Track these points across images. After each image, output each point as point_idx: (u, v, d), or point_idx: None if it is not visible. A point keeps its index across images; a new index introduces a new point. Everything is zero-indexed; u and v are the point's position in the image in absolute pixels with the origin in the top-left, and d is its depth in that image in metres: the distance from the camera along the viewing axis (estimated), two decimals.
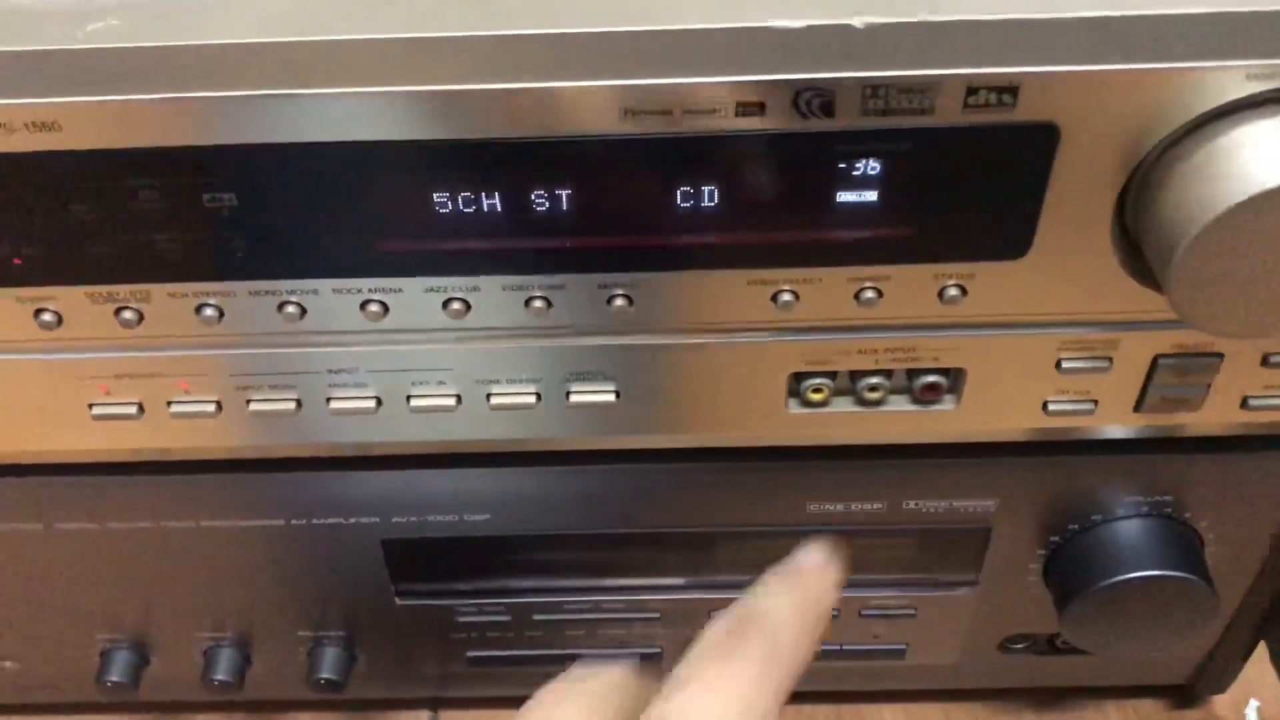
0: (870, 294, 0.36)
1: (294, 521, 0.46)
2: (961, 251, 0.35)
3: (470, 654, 0.51)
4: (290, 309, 0.36)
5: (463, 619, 0.50)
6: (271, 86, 0.31)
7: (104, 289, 0.36)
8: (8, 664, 0.53)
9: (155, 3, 0.31)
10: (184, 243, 0.34)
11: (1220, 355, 0.38)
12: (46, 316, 0.36)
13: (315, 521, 0.46)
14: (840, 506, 0.45)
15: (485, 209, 0.34)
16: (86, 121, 0.31)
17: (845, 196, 0.33)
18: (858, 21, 0.30)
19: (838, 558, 0.35)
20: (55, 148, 0.32)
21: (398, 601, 0.49)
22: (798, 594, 0.34)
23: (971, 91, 0.31)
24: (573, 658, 0.48)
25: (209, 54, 0.30)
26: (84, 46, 0.30)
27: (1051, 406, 0.40)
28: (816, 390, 0.39)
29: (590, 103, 0.31)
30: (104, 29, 0.30)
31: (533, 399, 0.39)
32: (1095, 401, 0.39)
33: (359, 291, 0.36)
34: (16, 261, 0.35)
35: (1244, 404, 0.40)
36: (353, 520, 0.46)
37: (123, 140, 0.32)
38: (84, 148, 0.32)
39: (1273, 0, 0.30)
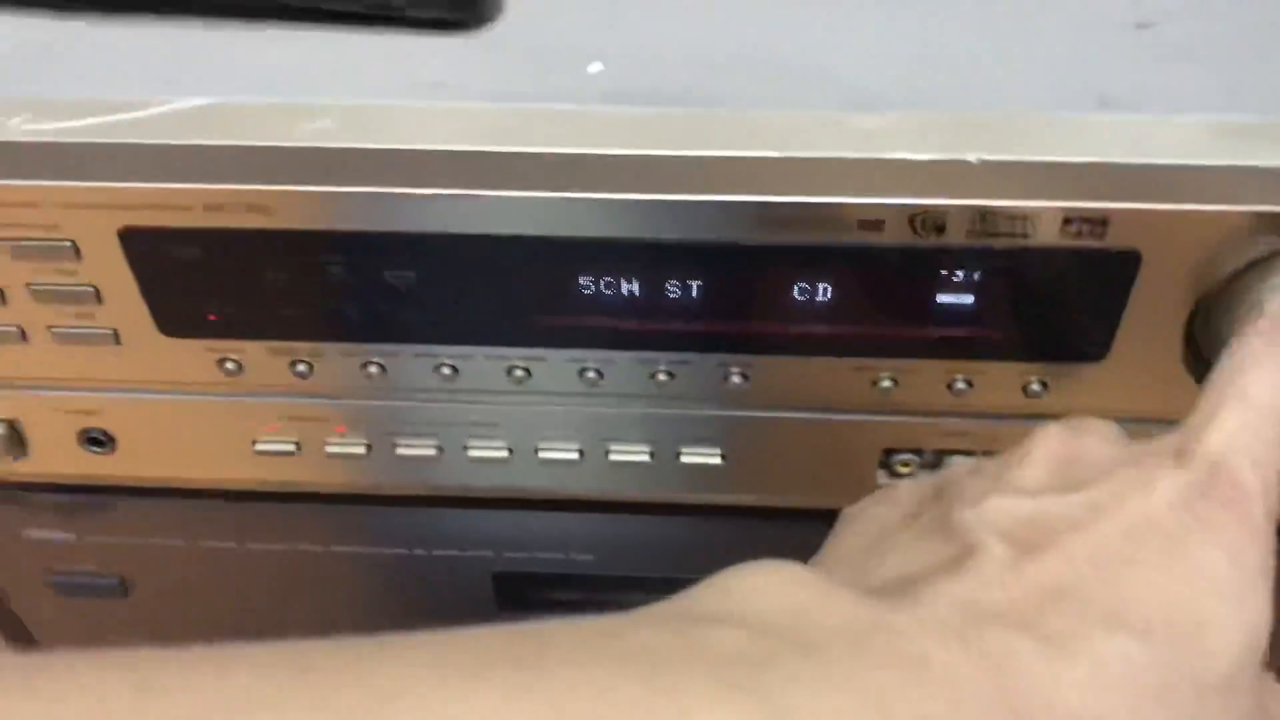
0: (961, 385, 0.40)
1: (415, 551, 0.50)
2: (1047, 354, 0.39)
3: None
4: (445, 370, 0.41)
5: None
6: (453, 187, 0.36)
7: (284, 344, 0.40)
8: (132, 639, 0.58)
9: (363, 110, 0.35)
10: (362, 310, 0.39)
11: None
12: (230, 365, 0.41)
13: (435, 553, 0.50)
14: None
15: (625, 295, 0.38)
16: (294, 206, 0.36)
17: (945, 299, 0.38)
18: (972, 157, 0.34)
19: None
20: (263, 226, 0.37)
21: None
22: None
23: (1067, 221, 0.35)
24: None
25: (403, 156, 0.35)
26: (298, 145, 0.35)
27: None
28: (904, 465, 0.43)
29: (729, 214, 0.36)
30: (316, 129, 0.35)
31: (647, 457, 0.44)
32: None
33: (507, 359, 0.41)
34: (211, 318, 0.40)
35: None
36: (469, 553, 0.50)
37: (324, 224, 0.36)
38: (288, 228, 0.37)
39: None
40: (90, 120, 0.35)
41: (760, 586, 0.25)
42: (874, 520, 0.30)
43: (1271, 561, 0.27)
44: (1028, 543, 0.25)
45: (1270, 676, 0.28)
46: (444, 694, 0.21)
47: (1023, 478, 0.28)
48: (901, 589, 0.25)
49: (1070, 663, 0.23)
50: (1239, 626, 0.25)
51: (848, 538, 0.31)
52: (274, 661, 0.22)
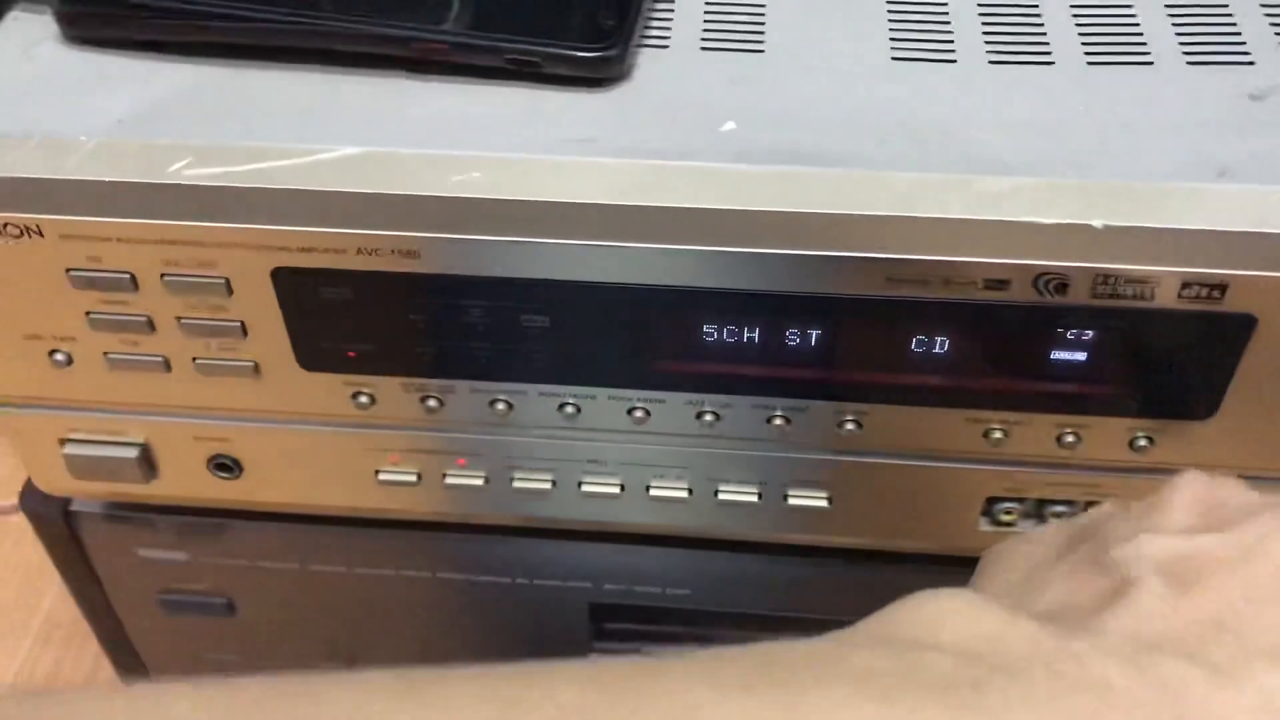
0: (1070, 438, 0.41)
1: (517, 580, 0.52)
2: (1156, 410, 0.40)
3: None
4: (569, 409, 0.42)
5: None
6: (589, 238, 0.37)
7: (417, 380, 0.42)
8: (230, 657, 0.59)
9: (508, 162, 0.37)
10: (495, 351, 0.41)
11: None
12: (363, 399, 0.43)
13: (536, 582, 0.52)
14: None
15: (747, 342, 0.40)
16: (442, 252, 0.38)
17: (1060, 355, 0.39)
18: (1097, 223, 0.35)
19: None
20: (411, 270, 0.38)
21: (595, 658, 0.55)
22: None
23: (1186, 285, 0.36)
24: None
25: (544, 209, 0.37)
26: (449, 195, 0.37)
27: None
28: (1007, 513, 0.45)
29: (857, 270, 0.37)
30: (467, 180, 0.37)
31: (755, 498, 0.45)
32: None
33: (629, 400, 0.42)
34: (350, 355, 0.41)
35: None
36: (568, 583, 0.52)
37: (468, 269, 0.38)
38: (434, 272, 0.38)
39: None
40: (249, 166, 0.37)
41: (950, 612, 0.27)
42: (1024, 557, 0.32)
43: None
44: (1182, 578, 0.27)
45: None
46: (731, 708, 0.24)
47: (1170, 519, 0.29)
48: (1067, 620, 0.27)
49: (1238, 691, 0.25)
50: None
51: (999, 574, 0.32)
52: (589, 677, 0.25)
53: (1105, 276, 0.36)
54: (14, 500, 0.52)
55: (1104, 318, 0.37)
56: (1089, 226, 0.36)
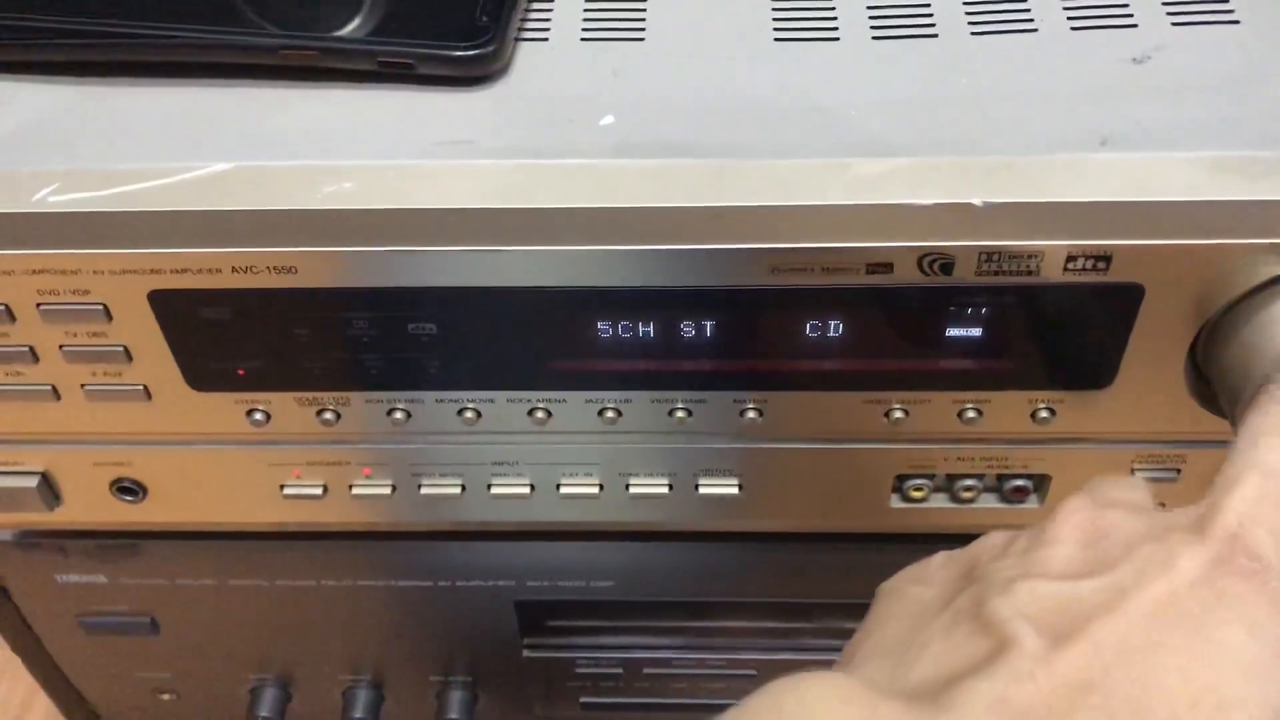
0: (972, 414, 0.41)
1: (440, 583, 0.51)
2: (1054, 382, 0.40)
3: (584, 700, 0.57)
4: (469, 414, 0.42)
5: (580, 670, 0.56)
6: (471, 243, 0.37)
7: (310, 394, 0.41)
8: (166, 697, 0.59)
9: (381, 170, 0.36)
10: (386, 361, 0.40)
11: None
12: (258, 415, 0.42)
13: (459, 584, 0.51)
14: None
15: (642, 338, 0.39)
16: (320, 266, 0.37)
17: (955, 334, 0.39)
18: (977, 201, 0.35)
19: None
20: (290, 285, 0.38)
21: (525, 654, 0.54)
22: None
23: (1071, 259, 0.36)
24: (677, 707, 0.54)
25: (422, 215, 0.36)
26: (321, 208, 0.36)
27: None
28: (917, 489, 0.45)
29: (743, 261, 0.37)
30: (338, 191, 0.36)
31: (666, 489, 0.45)
32: (1163, 505, 0.44)
33: (529, 401, 0.42)
34: (240, 372, 0.41)
35: None
36: (491, 583, 0.51)
37: (348, 281, 0.38)
38: (314, 286, 0.38)
39: None
40: (117, 189, 0.36)
41: (813, 705, 0.26)
42: (911, 602, 0.32)
43: None
44: (1056, 630, 0.26)
45: None
46: None
47: (1051, 558, 0.29)
48: (940, 690, 0.26)
49: None
50: (1261, 701, 0.26)
51: (887, 622, 0.32)
52: None
53: (989, 254, 0.36)
54: None
55: (991, 295, 0.37)
56: (969, 205, 0.35)
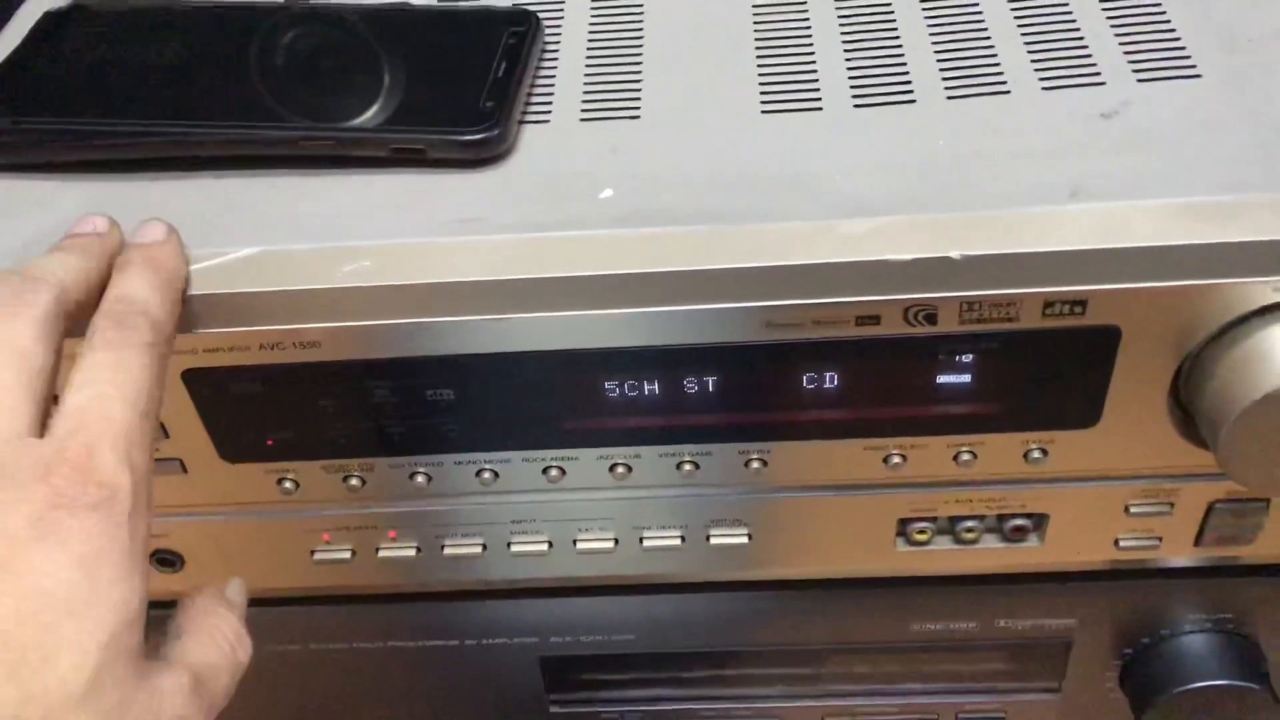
0: (966, 456, 0.43)
1: (466, 642, 0.53)
2: (1042, 423, 0.42)
3: None
4: (486, 475, 0.44)
5: None
6: (482, 312, 0.39)
7: (336, 462, 0.44)
8: None
9: (397, 248, 0.39)
10: (407, 427, 0.42)
11: (1267, 501, 0.45)
12: (287, 484, 0.44)
13: (485, 642, 0.53)
14: (939, 625, 0.52)
15: (648, 396, 0.42)
16: (342, 340, 0.40)
17: (944, 380, 0.41)
18: (955, 254, 0.37)
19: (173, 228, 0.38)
20: (314, 359, 0.40)
21: (552, 710, 0.56)
22: (160, 275, 0.36)
23: (1048, 304, 0.38)
24: None
25: (435, 289, 0.39)
26: (342, 286, 0.39)
27: (1122, 543, 0.46)
28: (921, 532, 0.46)
29: (738, 318, 0.39)
30: (357, 270, 0.39)
31: (678, 541, 0.47)
32: (1160, 538, 0.46)
33: (543, 460, 0.44)
34: (269, 443, 0.43)
35: None
36: (515, 641, 0.53)
37: (369, 353, 0.40)
38: (337, 359, 0.40)
39: None
40: None
41: None
42: None
43: (143, 544, 0.30)
44: None
45: (155, 663, 0.32)
46: None
47: None
48: None
49: None
50: (94, 632, 0.28)
51: None
52: None
53: (970, 304, 0.38)
54: None
55: (975, 342, 0.39)
56: (948, 258, 0.37)
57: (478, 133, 0.42)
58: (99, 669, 0.29)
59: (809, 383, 0.41)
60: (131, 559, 0.30)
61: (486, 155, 0.42)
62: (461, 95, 0.43)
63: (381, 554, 0.47)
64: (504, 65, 0.44)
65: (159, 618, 0.52)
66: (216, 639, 0.36)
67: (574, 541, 0.47)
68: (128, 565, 0.30)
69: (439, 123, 0.42)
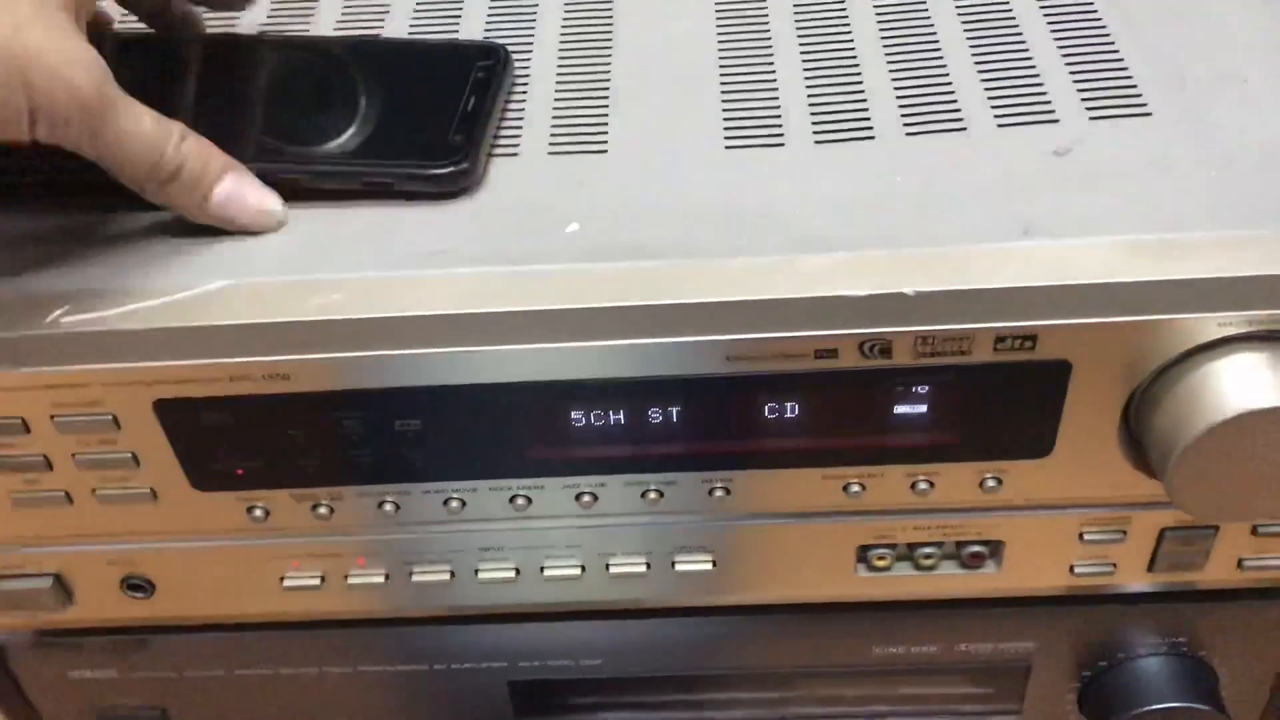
0: (923, 485, 0.44)
1: (435, 666, 0.54)
2: (996, 453, 0.43)
3: None
4: (454, 504, 0.45)
5: None
6: (450, 345, 0.40)
7: (305, 491, 0.44)
8: None
9: (368, 283, 0.40)
10: (375, 457, 0.43)
11: (1216, 528, 0.46)
12: (257, 512, 0.45)
13: (454, 667, 0.54)
14: (900, 649, 0.53)
15: (613, 426, 0.42)
16: (311, 372, 0.40)
17: (901, 411, 0.42)
18: (909, 290, 0.38)
19: None
20: (284, 391, 0.41)
21: None
22: None
23: (1000, 339, 0.39)
24: None
25: (405, 322, 0.39)
26: (312, 319, 0.39)
27: (1077, 569, 0.47)
28: (880, 559, 0.47)
29: (700, 351, 0.40)
30: (327, 303, 0.39)
31: (644, 568, 0.48)
32: (1114, 565, 0.47)
33: (510, 489, 0.44)
34: (239, 472, 0.44)
35: (1239, 565, 0.47)
36: (484, 665, 0.54)
37: (338, 385, 0.41)
38: (307, 390, 0.41)
39: (1233, 269, 0.38)
40: (123, 308, 0.40)
41: None
42: None
43: None
44: None
45: None
46: None
47: None
48: None
49: None
50: None
51: None
52: None
53: (924, 338, 0.39)
54: None
55: (929, 375, 0.40)
56: (901, 294, 0.38)
57: (446, 166, 0.43)
58: None
59: (770, 413, 0.42)
60: None
61: (455, 188, 0.43)
62: (431, 129, 0.44)
63: (350, 580, 0.48)
64: (473, 100, 0.45)
65: (127, 642, 0.53)
66: None
67: (541, 568, 0.48)
68: None
69: (409, 156, 0.43)
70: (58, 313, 0.40)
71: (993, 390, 0.41)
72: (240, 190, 0.41)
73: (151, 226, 0.43)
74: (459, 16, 0.53)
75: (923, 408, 0.41)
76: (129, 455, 0.43)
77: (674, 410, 0.42)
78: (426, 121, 0.45)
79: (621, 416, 0.42)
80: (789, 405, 0.42)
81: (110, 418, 0.42)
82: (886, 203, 0.42)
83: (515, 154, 0.46)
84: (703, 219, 0.42)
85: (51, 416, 0.42)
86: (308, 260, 0.41)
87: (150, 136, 0.39)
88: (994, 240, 0.40)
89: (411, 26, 0.52)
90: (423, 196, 0.43)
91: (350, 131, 0.44)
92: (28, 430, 0.42)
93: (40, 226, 0.43)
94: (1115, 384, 0.41)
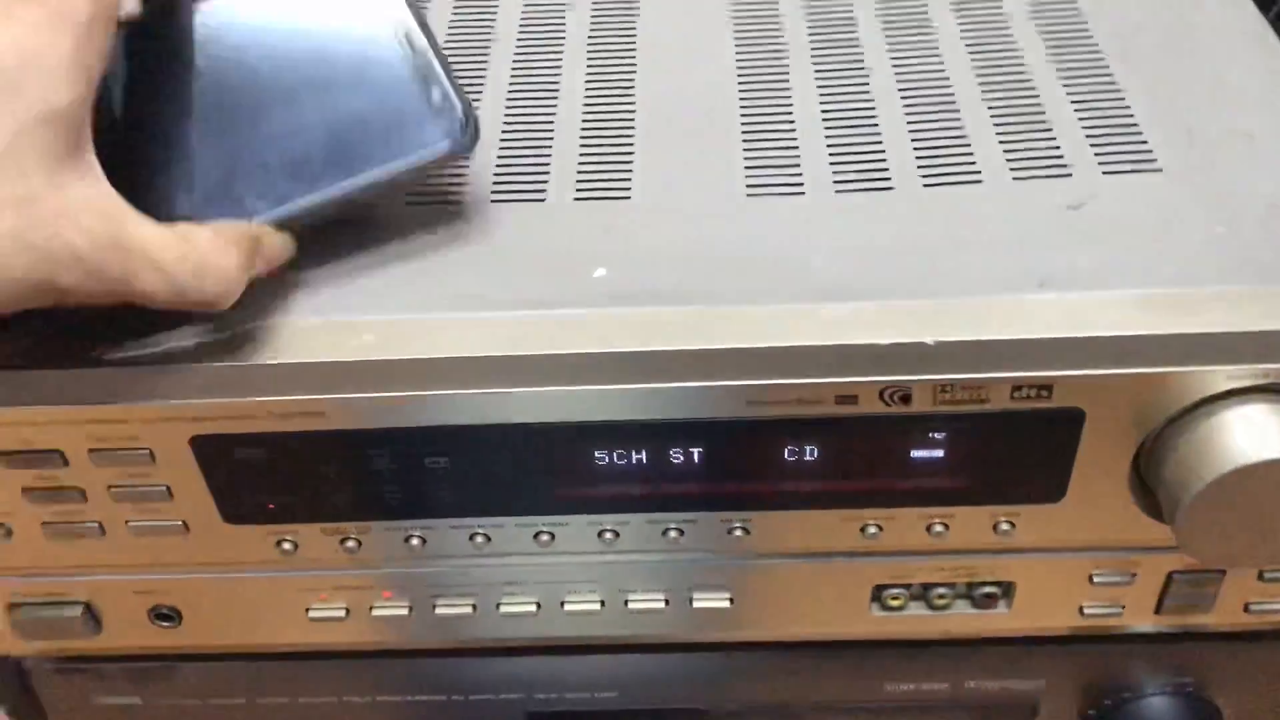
0: (939, 528, 0.45)
1: (453, 697, 0.55)
2: (1010, 497, 0.44)
3: None
4: (479, 538, 0.46)
5: None
6: (479, 386, 0.41)
7: (334, 525, 0.45)
8: None
9: (401, 325, 0.41)
10: (404, 493, 0.44)
11: (1223, 572, 0.47)
12: (286, 545, 0.46)
13: (472, 698, 0.55)
14: (911, 686, 0.54)
15: (636, 466, 0.44)
16: (345, 410, 0.41)
17: (918, 455, 0.43)
18: (929, 339, 0.39)
19: None
20: (317, 429, 0.42)
21: None
22: None
23: (1016, 388, 0.40)
24: None
25: (436, 364, 0.41)
26: (346, 360, 0.40)
27: (1086, 610, 0.48)
28: (895, 598, 0.48)
29: (723, 396, 0.41)
30: (362, 344, 0.41)
31: (662, 604, 0.49)
32: (1122, 606, 0.48)
33: (534, 525, 0.46)
34: (270, 506, 0.45)
35: (1246, 609, 0.48)
36: (502, 696, 0.55)
37: (371, 423, 0.42)
38: (340, 428, 0.42)
39: (1242, 324, 0.39)
40: (164, 347, 0.41)
41: None
42: None
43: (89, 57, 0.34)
44: None
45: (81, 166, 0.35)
46: None
47: None
48: None
49: None
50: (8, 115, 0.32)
51: None
52: None
53: (943, 386, 0.40)
54: None
55: (947, 422, 0.41)
56: (922, 344, 0.40)
57: (449, 134, 0.41)
58: (5, 153, 0.32)
59: (790, 456, 0.43)
60: (72, 67, 0.33)
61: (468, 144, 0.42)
62: (410, 113, 0.41)
63: (375, 613, 0.49)
64: (413, 46, 0.42)
65: (151, 670, 0.54)
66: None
67: (561, 603, 0.49)
68: (65, 69, 0.33)
69: (396, 145, 0.41)
70: (100, 349, 0.41)
71: (1008, 437, 0.42)
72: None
73: None
74: (485, 77, 0.54)
75: (939, 453, 0.43)
76: (163, 488, 0.44)
77: (696, 452, 0.43)
78: (399, 113, 0.41)
79: (644, 457, 0.43)
80: (808, 449, 0.43)
81: (147, 452, 0.43)
82: (905, 252, 0.43)
83: (542, 200, 0.47)
84: (726, 265, 0.43)
85: (90, 450, 0.43)
86: (342, 302, 0.42)
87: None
88: (1011, 292, 0.41)
89: None
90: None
91: (326, 152, 0.42)
92: (66, 463, 0.43)
93: None
94: (1127, 432, 0.42)
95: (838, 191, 0.46)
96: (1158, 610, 0.48)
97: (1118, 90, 0.50)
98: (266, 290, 0.43)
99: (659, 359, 0.40)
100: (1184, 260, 0.42)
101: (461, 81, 0.43)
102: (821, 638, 0.51)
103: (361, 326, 0.41)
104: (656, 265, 0.43)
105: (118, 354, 0.41)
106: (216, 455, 0.43)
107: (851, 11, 0.56)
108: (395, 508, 0.45)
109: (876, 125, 0.49)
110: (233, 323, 0.41)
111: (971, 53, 0.53)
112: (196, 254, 0.36)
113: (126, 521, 0.45)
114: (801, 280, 0.42)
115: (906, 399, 0.41)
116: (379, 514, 0.45)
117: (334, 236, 0.44)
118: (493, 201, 0.47)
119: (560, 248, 0.44)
